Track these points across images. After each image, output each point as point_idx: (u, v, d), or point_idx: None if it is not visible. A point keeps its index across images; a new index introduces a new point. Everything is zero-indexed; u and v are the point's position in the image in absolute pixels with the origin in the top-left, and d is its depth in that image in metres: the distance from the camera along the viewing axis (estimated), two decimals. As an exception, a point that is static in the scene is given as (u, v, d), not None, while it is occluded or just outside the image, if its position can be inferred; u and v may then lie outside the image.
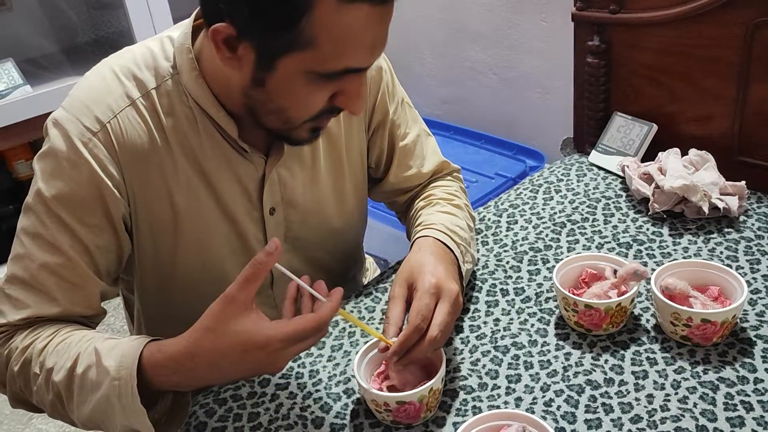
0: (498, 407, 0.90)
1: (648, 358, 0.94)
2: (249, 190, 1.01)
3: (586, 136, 1.50)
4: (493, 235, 1.23)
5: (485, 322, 1.04)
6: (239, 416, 0.94)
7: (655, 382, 0.91)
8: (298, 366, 1.01)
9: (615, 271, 1.00)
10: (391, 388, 0.90)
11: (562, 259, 1.04)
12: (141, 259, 1.01)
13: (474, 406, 0.91)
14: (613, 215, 1.24)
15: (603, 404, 0.89)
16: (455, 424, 0.89)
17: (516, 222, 1.25)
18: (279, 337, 0.76)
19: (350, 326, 1.07)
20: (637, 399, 0.89)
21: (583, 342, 0.98)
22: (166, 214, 0.97)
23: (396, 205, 1.22)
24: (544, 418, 0.88)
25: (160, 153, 0.94)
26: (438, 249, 0.98)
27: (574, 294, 0.98)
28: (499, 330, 1.02)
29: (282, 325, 0.76)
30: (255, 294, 0.77)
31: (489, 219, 1.27)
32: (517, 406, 0.90)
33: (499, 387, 0.93)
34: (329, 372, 0.99)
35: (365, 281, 1.29)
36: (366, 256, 1.39)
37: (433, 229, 1.02)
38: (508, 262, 1.15)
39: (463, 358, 0.99)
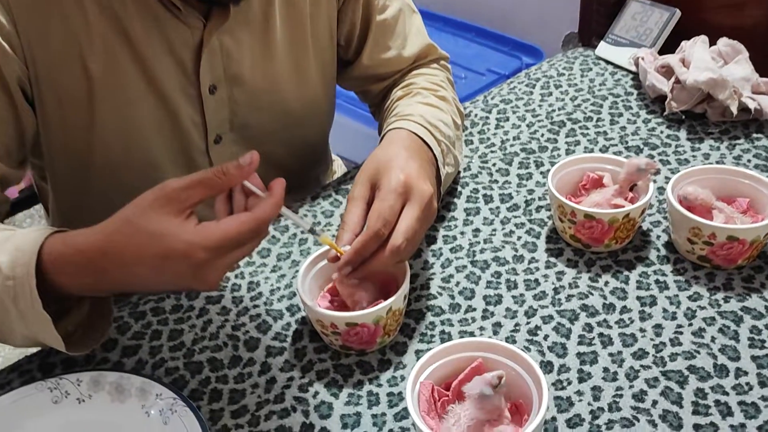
0: (472, 334, 0.74)
1: (657, 282, 0.78)
2: (183, 60, 0.82)
3: (593, 26, 1.29)
4: (479, 133, 1.04)
5: (462, 233, 0.87)
6: (158, 334, 0.78)
7: (664, 311, 0.74)
8: (236, 276, 0.84)
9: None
10: (342, 308, 0.73)
11: (559, 162, 0.86)
12: (49, 139, 0.82)
13: (443, 332, 0.74)
14: (621, 115, 1.05)
15: (600, 335, 0.72)
16: (418, 353, 0.73)
17: (507, 119, 1.06)
18: (203, 245, 0.57)
19: (302, 232, 0.89)
20: (642, 330, 0.72)
21: (579, 260, 0.81)
22: (78, 83, 0.78)
23: (369, 95, 1.02)
24: (527, 350, 0.71)
25: (64, 2, 0.74)
26: (413, 144, 0.79)
27: (572, 201, 0.81)
28: (479, 242, 0.85)
29: (208, 231, 0.58)
30: (200, 204, 0.60)
31: (476, 115, 1.08)
32: (495, 334, 0.74)
33: (475, 309, 0.77)
34: (272, 285, 0.82)
35: (328, 183, 1.11)
36: (334, 157, 1.20)
37: (409, 120, 0.83)
38: (494, 164, 0.97)
39: (432, 274, 0.81)
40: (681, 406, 0.65)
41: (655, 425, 0.64)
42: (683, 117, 1.02)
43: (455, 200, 0.92)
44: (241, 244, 0.59)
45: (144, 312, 0.81)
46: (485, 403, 0.58)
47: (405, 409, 0.67)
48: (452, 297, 0.78)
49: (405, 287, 0.71)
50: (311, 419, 0.67)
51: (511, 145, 1.01)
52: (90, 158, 0.84)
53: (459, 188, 0.93)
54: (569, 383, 0.68)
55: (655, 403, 0.65)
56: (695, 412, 0.64)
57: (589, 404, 0.66)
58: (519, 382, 0.62)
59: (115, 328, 0.79)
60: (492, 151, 1.00)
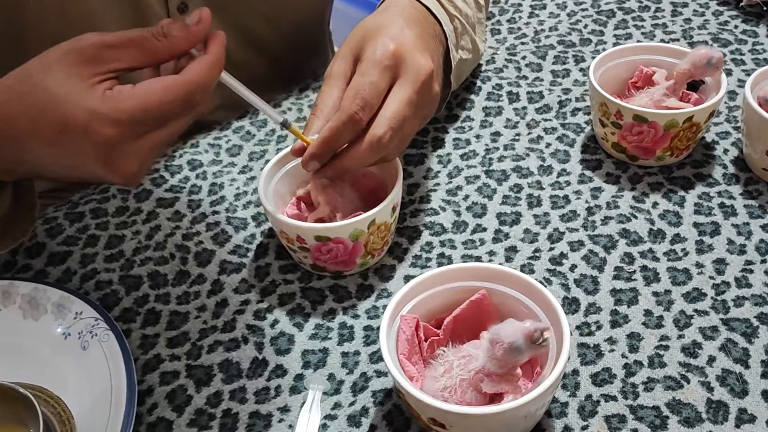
0: (479, 259, 0.58)
1: (722, 206, 0.61)
2: None
3: None
4: (508, 22, 0.85)
5: (478, 137, 0.70)
6: (94, 240, 0.63)
7: (729, 242, 0.57)
8: (197, 177, 0.69)
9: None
10: (317, 219, 0.57)
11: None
12: None
13: (441, 255, 0.59)
14: (686, 5, 0.85)
15: (643, 269, 0.56)
16: (408, 278, 0.57)
17: (544, 7, 0.87)
18: (112, 117, 0.42)
19: (281, 127, 0.73)
20: (698, 266, 0.56)
21: (622, 174, 0.64)
22: None
23: None
24: (548, 283, 0.56)
25: None
26: (415, 12, 0.61)
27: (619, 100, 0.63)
28: (497, 148, 0.68)
29: (119, 99, 0.42)
30: (128, 73, 0.44)
31: (506, 1, 0.89)
32: (508, 261, 0.58)
33: (485, 229, 0.61)
34: (238, 188, 0.67)
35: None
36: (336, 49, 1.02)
37: None
38: (524, 58, 0.79)
39: (436, 185, 0.65)
40: (747, 366, 0.49)
41: (710, 388, 0.48)
42: (764, 8, 0.82)
43: (472, 96, 0.74)
44: (165, 120, 0.44)
45: (82, 213, 0.66)
46: (508, 358, 0.42)
47: (384, 348, 0.53)
48: (458, 213, 0.62)
49: (394, 195, 0.55)
50: (265, 354, 0.53)
51: (547, 37, 0.82)
52: (22, 20, 0.68)
53: (478, 83, 0.76)
54: (599, 327, 0.52)
55: (711, 359, 0.50)
56: (765, 375, 0.48)
57: (623, 356, 0.50)
58: (532, 318, 0.46)
59: (45, 230, 0.65)
60: (523, 43, 0.81)
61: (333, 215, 0.56)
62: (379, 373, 0.51)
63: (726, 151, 0.66)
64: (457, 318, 0.49)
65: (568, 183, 0.64)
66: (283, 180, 0.60)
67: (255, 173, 0.69)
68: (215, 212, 0.65)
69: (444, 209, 0.63)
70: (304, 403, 0.50)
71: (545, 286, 0.47)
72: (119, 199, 0.67)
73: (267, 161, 0.68)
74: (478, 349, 0.45)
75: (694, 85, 0.65)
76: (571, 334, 0.45)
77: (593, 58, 0.77)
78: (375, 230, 0.55)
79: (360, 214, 0.55)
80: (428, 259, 0.59)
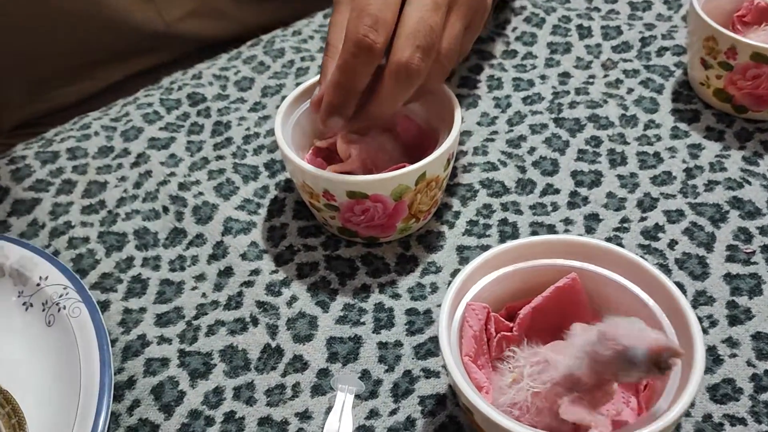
0: (551, 229, 0.46)
1: None
2: None
3: None
4: (572, -55, 0.71)
5: (543, 77, 0.57)
6: (70, 185, 0.51)
7: None
8: (198, 113, 0.56)
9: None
10: (343, 173, 0.45)
11: (708, -25, 0.54)
12: None
13: (504, 221, 0.47)
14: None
15: (765, 248, 0.44)
16: (462, 251, 0.45)
17: (615, -71, 0.73)
18: None
19: (302, 58, 0.60)
20: (836, 247, 0.44)
21: (726, 130, 0.52)
22: None
23: None
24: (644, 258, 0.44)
25: None
26: None
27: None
28: (568, 92, 0.55)
29: None
30: None
31: None
32: (589, 231, 0.46)
33: (558, 191, 0.48)
34: (248, 128, 0.55)
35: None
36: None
37: None
38: (595, -14, 0.66)
39: (494, 132, 0.53)
40: None
41: None
42: None
43: (534, 30, 0.61)
44: None
45: (56, 153, 0.54)
46: (610, 368, 0.31)
47: (432, 340, 0.41)
48: (522, 169, 0.50)
49: (452, 142, 0.43)
50: (280, 340, 0.41)
51: (621, -37, 0.68)
52: None
53: (541, 14, 0.63)
54: (713, 324, 0.40)
55: None
56: None
57: (749, 364, 0.39)
58: (648, 321, 0.34)
59: (10, 172, 0.53)
60: (592, -31, 0.68)
61: (366, 170, 0.44)
62: (428, 373, 0.39)
63: None
64: (537, 309, 0.37)
65: (659, 138, 0.51)
66: (301, 123, 0.47)
67: (269, 111, 0.56)
68: (220, 157, 0.53)
69: (505, 163, 0.50)
70: (330, 408, 0.38)
71: (660, 271, 0.35)
72: (103, 137, 0.55)
73: (284, 98, 0.55)
74: (561, 353, 0.34)
75: (820, 21, 0.52)
76: (702, 339, 0.33)
77: (682, -13, 0.64)
78: (424, 187, 0.43)
79: (405, 165, 0.42)
80: (487, 226, 0.46)
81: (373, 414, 0.38)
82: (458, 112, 0.44)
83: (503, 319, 0.37)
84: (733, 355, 0.39)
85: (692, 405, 0.37)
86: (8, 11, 0.57)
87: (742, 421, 0.36)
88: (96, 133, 0.56)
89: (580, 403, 0.32)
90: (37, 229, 0.49)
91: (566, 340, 0.34)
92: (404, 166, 0.42)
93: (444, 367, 0.39)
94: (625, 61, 0.58)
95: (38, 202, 0.50)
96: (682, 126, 0.52)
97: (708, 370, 0.38)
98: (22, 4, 0.57)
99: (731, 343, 0.39)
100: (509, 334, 0.37)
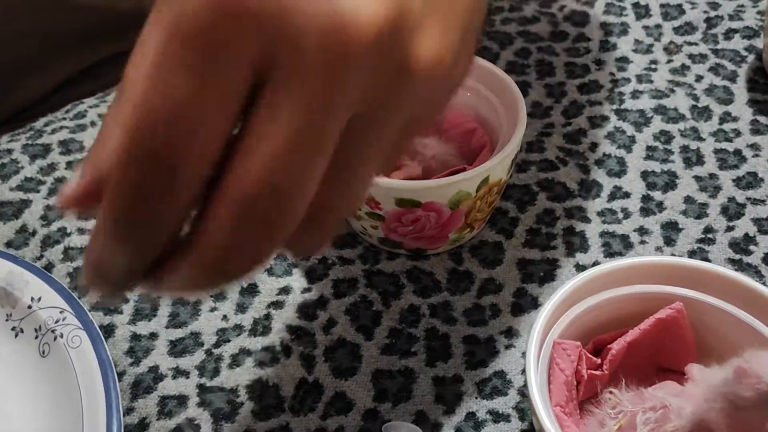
0: (624, 240, 0.40)
1: None
2: None
3: None
4: None
5: (599, 62, 0.51)
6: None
7: None
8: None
9: None
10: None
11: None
12: None
13: (569, 230, 0.41)
14: None
15: None
16: (525, 265, 0.39)
17: None
18: None
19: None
20: None
21: (812, 124, 0.46)
22: None
23: None
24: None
25: None
26: None
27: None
28: (628, 80, 0.49)
29: None
30: None
31: None
32: (669, 243, 0.40)
33: (628, 195, 0.42)
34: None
35: None
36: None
37: None
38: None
39: (549, 125, 0.46)
40: None
41: None
42: None
43: (585, 8, 0.55)
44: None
45: (48, 146, 0.47)
46: (751, 413, 0.25)
47: (500, 375, 0.35)
48: (585, 169, 0.44)
49: (518, 142, 0.37)
50: (318, 374, 0.35)
51: (675, -66, 0.62)
52: None
53: (593, -10, 0.56)
54: (822, 355, 0.35)
55: None
56: None
57: None
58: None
59: (-6, 168, 0.46)
60: (642, -59, 0.61)
61: (426, 175, 0.38)
62: (497, 417, 0.33)
63: None
64: (633, 345, 0.31)
65: (738, 133, 0.45)
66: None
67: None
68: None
69: (565, 162, 0.44)
70: (381, 459, 0.32)
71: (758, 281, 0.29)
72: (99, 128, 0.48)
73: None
74: (680, 396, 0.28)
75: None
76: None
77: (746, -37, 0.57)
78: (485, 192, 0.37)
79: (464, 168, 0.36)
80: (551, 236, 0.40)
81: (433, 466, 0.32)
82: (522, 104, 0.38)
83: (590, 355, 0.31)
84: None
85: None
86: None
87: None
88: (93, 123, 0.49)
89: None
90: (26, 237, 0.42)
91: (687, 383, 0.29)
92: (464, 169, 0.36)
93: (517, 408, 0.33)
94: (689, 44, 0.52)
95: (27, 205, 0.43)
96: (763, 120, 0.46)
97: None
98: None
99: None
100: (597, 372, 0.31)
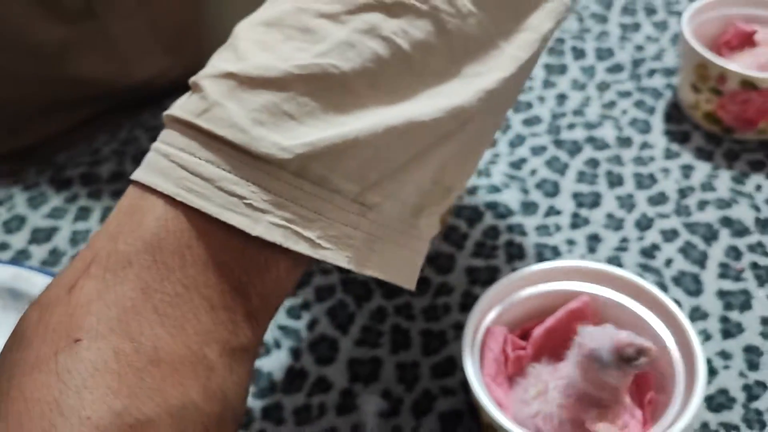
0: (554, 251, 0.49)
1: (838, 191, 0.52)
2: None
3: None
4: (562, -34, 0.74)
5: (541, 98, 0.60)
6: (86, 212, 0.53)
7: None
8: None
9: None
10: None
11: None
12: None
13: (510, 243, 0.49)
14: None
15: (755, 266, 0.47)
16: (472, 273, 0.48)
17: (602, -50, 0.76)
18: None
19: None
20: (820, 263, 0.47)
21: (715, 149, 0.55)
22: None
23: None
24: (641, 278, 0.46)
25: None
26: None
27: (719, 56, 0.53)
28: (565, 114, 0.58)
29: None
30: None
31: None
32: (591, 252, 0.48)
33: (559, 213, 0.51)
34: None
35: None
36: None
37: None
38: (587, 8, 0.68)
39: (496, 155, 0.55)
40: None
41: None
42: None
43: (530, 52, 0.64)
44: None
45: (70, 179, 0.55)
46: (590, 370, 0.34)
47: (449, 360, 0.43)
48: (525, 191, 0.52)
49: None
50: (304, 363, 0.43)
51: (610, -16, 0.71)
52: None
53: (536, 36, 0.65)
54: (707, 338, 0.43)
55: None
56: None
57: (741, 375, 0.42)
58: (652, 340, 0.37)
59: (26, 200, 0.54)
60: (582, -9, 0.71)
61: None
62: (446, 391, 0.42)
63: (834, 125, 0.56)
64: (550, 330, 0.39)
65: (652, 158, 0.54)
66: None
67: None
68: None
69: (508, 186, 0.53)
70: (355, 426, 0.40)
71: (663, 293, 0.38)
72: (113, 163, 0.57)
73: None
74: (573, 374, 0.36)
75: (800, 47, 0.55)
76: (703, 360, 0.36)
77: (666, 9, 0.67)
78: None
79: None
80: (494, 248, 0.49)
81: (396, 430, 0.40)
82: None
83: (518, 339, 0.40)
84: (727, 367, 0.42)
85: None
86: None
87: (736, 429, 0.39)
88: (107, 159, 0.57)
89: (605, 417, 0.35)
90: (58, 256, 0.50)
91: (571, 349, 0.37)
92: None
93: (462, 384, 0.42)
94: (617, 82, 0.61)
95: (56, 230, 0.52)
96: (674, 147, 0.55)
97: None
98: None
99: (724, 355, 0.42)
100: (522, 352, 0.39)
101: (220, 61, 0.30)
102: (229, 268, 0.28)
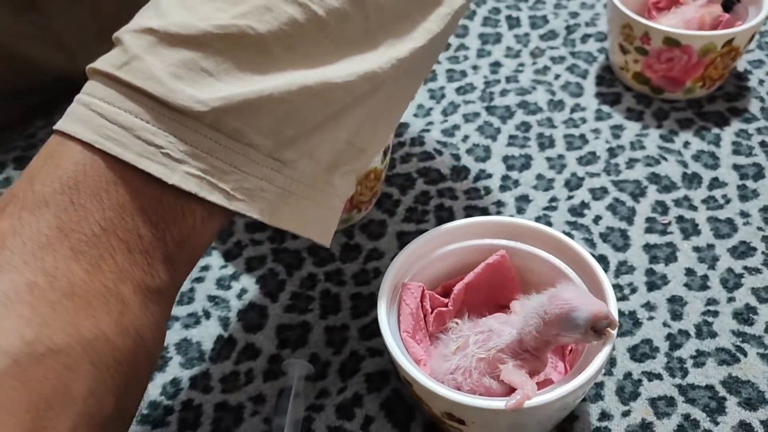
0: (485, 211, 0.49)
1: (764, 145, 0.52)
2: None
3: None
4: (501, -61, 0.74)
5: (475, 68, 0.60)
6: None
7: (776, 187, 0.49)
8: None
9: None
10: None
11: (624, -36, 0.58)
12: None
13: (440, 207, 0.49)
14: None
15: (680, 219, 0.48)
16: (403, 237, 0.48)
17: None
18: None
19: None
20: (744, 215, 0.48)
21: (645, 110, 0.55)
22: None
23: None
24: (570, 236, 0.47)
25: None
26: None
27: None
28: (499, 81, 0.58)
29: None
30: None
31: None
32: (520, 212, 0.49)
33: (490, 176, 0.51)
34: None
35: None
36: None
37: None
38: (522, -22, 0.69)
39: (429, 123, 0.56)
40: (810, 334, 0.41)
41: (771, 362, 0.40)
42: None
43: (466, 22, 0.64)
44: None
45: (3, 163, 0.55)
46: (553, 328, 0.34)
47: (376, 321, 0.43)
48: (457, 157, 0.53)
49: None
50: (232, 331, 0.43)
51: (547, -46, 0.72)
52: None
53: (472, 6, 0.66)
54: (633, 290, 0.44)
55: (769, 326, 0.42)
56: (833, 344, 0.41)
57: (665, 325, 0.42)
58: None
59: None
60: (519, -38, 0.71)
61: None
62: (373, 352, 0.42)
63: (762, 81, 0.57)
64: (470, 285, 0.40)
65: (584, 120, 0.55)
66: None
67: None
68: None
69: (440, 152, 0.53)
70: (281, 390, 0.40)
71: (568, 238, 0.38)
72: (49, 146, 0.56)
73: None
74: (504, 323, 0.37)
75: (727, 6, 0.56)
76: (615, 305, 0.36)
77: (603, -23, 0.67)
78: (363, 179, 0.45)
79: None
80: (425, 212, 0.49)
81: (322, 393, 0.40)
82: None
83: (439, 296, 0.40)
84: (651, 318, 0.42)
85: (614, 365, 0.40)
86: None
87: (659, 377, 0.40)
88: (42, 142, 0.56)
89: (520, 369, 0.35)
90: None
91: (510, 313, 0.37)
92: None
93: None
94: (552, 48, 0.61)
95: (-12, 212, 0.51)
96: (605, 108, 0.56)
97: (628, 333, 0.42)
98: None
99: (649, 307, 0.43)
100: (444, 309, 0.40)
101: (141, 18, 0.30)
102: (146, 214, 0.29)
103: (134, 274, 0.28)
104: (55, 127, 0.29)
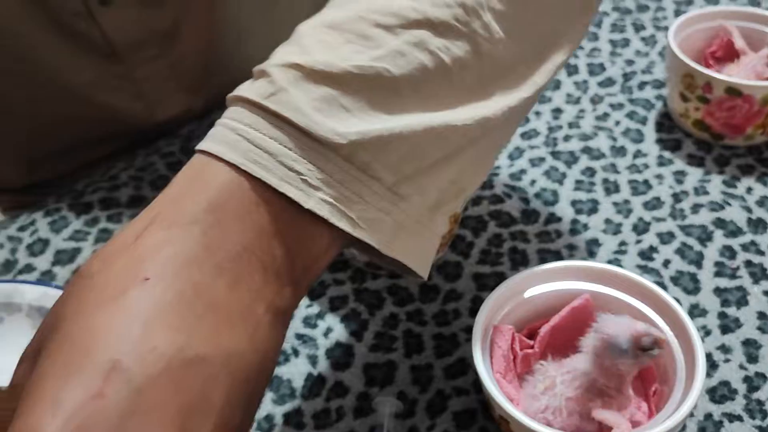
0: (557, 255, 0.51)
1: (825, 191, 0.54)
2: None
3: None
4: (552, -13, 0.77)
5: (538, 113, 0.62)
6: (107, 233, 0.55)
7: (841, 233, 0.51)
8: (220, 160, 0.60)
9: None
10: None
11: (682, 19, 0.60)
12: None
13: (514, 250, 0.51)
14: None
15: (748, 264, 0.49)
16: (479, 278, 0.50)
17: (590, -29, 0.79)
18: None
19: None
20: (810, 259, 0.49)
21: (705, 156, 0.57)
22: None
23: None
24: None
25: None
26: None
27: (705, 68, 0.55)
28: (561, 126, 0.61)
29: None
30: None
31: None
32: (591, 255, 0.51)
33: (560, 219, 0.53)
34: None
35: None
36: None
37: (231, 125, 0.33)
38: (577, 26, 0.71)
39: (497, 167, 0.58)
40: None
41: None
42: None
43: (526, 70, 0.67)
44: None
45: (89, 204, 0.58)
46: (607, 359, 0.36)
47: (461, 361, 0.45)
48: (526, 201, 0.55)
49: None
50: (320, 369, 0.45)
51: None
52: None
53: (531, 54, 0.68)
54: (707, 333, 0.45)
55: (844, 370, 0.43)
56: None
57: (741, 367, 0.43)
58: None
59: (48, 224, 0.56)
60: (572, 10, 0.74)
61: None
62: (459, 391, 0.44)
63: (818, 128, 0.59)
64: (555, 328, 0.41)
65: (646, 166, 0.57)
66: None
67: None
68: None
69: (509, 196, 0.55)
70: (373, 428, 0.42)
71: (663, 291, 0.40)
72: (131, 188, 0.59)
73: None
74: (583, 363, 0.38)
75: (782, 56, 0.58)
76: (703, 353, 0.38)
77: (653, 24, 0.70)
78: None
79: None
80: (499, 255, 0.51)
81: (412, 431, 0.42)
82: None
83: (525, 339, 0.42)
84: (727, 360, 0.44)
85: (695, 407, 0.42)
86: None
87: (739, 418, 0.41)
88: (125, 184, 0.59)
89: (609, 406, 0.37)
90: (81, 276, 0.52)
91: (583, 340, 0.39)
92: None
93: (474, 384, 0.43)
94: (610, 95, 0.63)
95: (79, 252, 0.54)
96: (666, 154, 0.58)
97: (706, 375, 0.43)
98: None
99: (724, 349, 0.44)
100: (530, 351, 0.41)
101: (285, 53, 0.33)
102: (282, 237, 0.31)
103: (267, 294, 0.30)
104: (198, 147, 0.32)
